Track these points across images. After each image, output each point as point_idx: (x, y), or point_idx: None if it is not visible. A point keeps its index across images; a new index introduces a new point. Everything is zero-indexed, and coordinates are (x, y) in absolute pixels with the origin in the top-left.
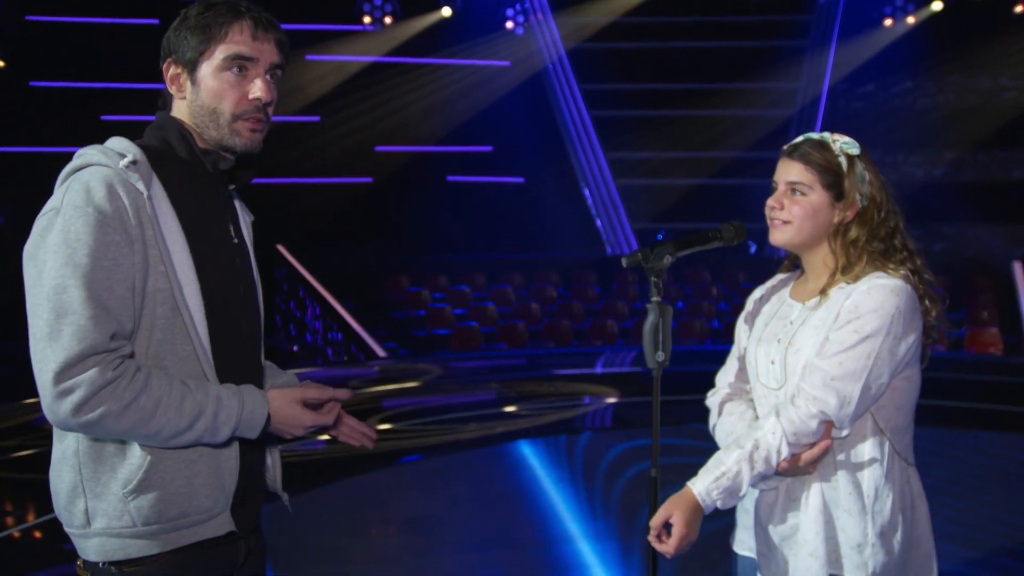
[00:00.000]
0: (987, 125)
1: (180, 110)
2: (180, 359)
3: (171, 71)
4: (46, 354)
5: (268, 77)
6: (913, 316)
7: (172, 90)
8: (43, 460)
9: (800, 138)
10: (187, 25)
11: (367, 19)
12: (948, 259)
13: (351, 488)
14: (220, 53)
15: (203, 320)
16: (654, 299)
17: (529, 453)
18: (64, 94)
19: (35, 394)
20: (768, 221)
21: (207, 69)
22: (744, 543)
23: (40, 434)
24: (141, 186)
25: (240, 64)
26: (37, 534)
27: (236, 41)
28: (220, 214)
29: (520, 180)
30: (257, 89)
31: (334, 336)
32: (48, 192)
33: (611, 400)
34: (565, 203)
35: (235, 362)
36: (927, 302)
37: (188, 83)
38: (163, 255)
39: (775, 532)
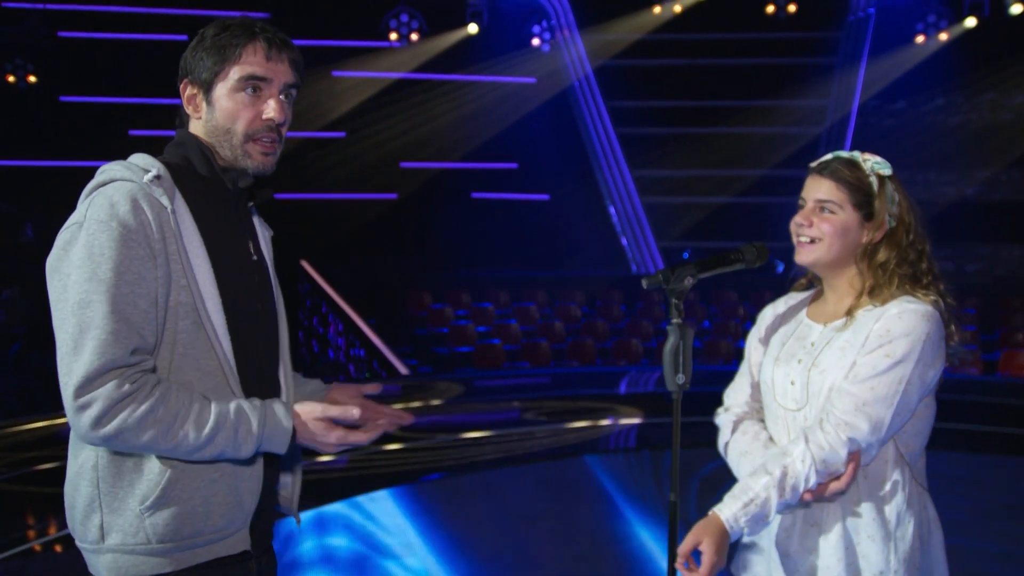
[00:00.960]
0: (1022, 143)
1: (196, 129)
2: (204, 373)
3: (187, 91)
4: (70, 368)
5: (282, 97)
6: (941, 343)
7: (188, 110)
8: (64, 473)
9: (829, 156)
10: (203, 46)
11: (393, 36)
12: (981, 280)
13: (369, 505)
14: (235, 74)
15: (226, 334)
16: (675, 321)
17: (550, 473)
18: (93, 109)
19: (58, 406)
20: (794, 239)
21: (222, 90)
22: (749, 569)
23: (64, 447)
24: (165, 200)
25: (254, 85)
26: (58, 548)
27: (250, 62)
28: (239, 231)
29: (545, 197)
30: (271, 110)
31: (356, 353)
32: (75, 206)
33: (635, 420)
34: (590, 220)
35: (253, 377)
36: (951, 327)
37: (204, 103)
38: (185, 269)
39: (793, 557)
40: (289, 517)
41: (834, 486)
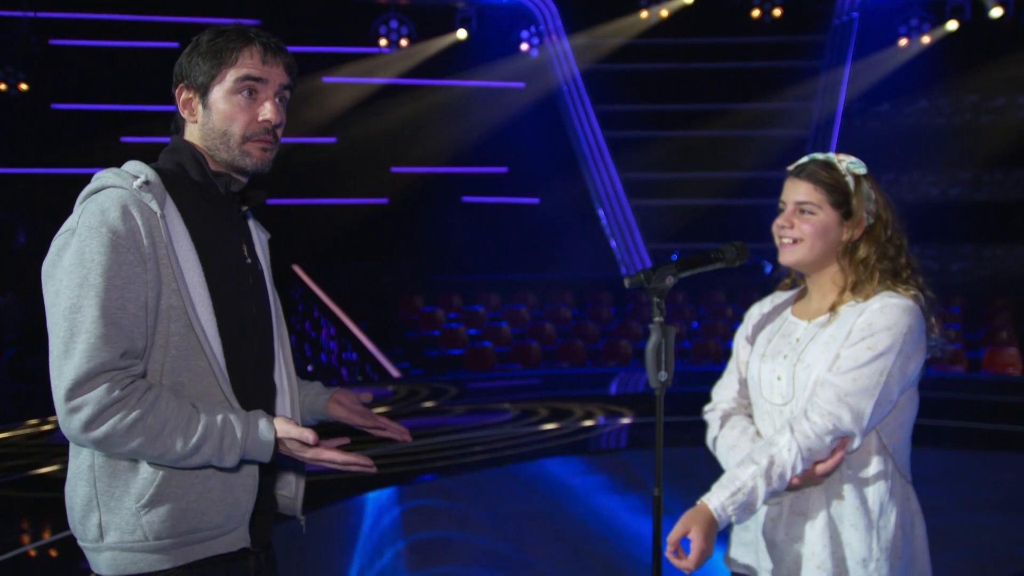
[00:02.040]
0: (1003, 144)
1: (192, 134)
2: (196, 375)
3: (183, 96)
4: (61, 371)
5: (277, 100)
6: (921, 336)
7: (184, 114)
8: (57, 478)
9: (805, 158)
10: (199, 51)
11: (383, 41)
12: (965, 279)
13: (362, 507)
14: (231, 76)
15: (216, 336)
16: (656, 319)
17: (541, 474)
18: (84, 116)
19: (51, 411)
20: (776, 241)
21: (218, 93)
22: (740, 560)
23: (54, 452)
24: (155, 205)
25: (250, 87)
26: (53, 552)
27: (246, 64)
28: (232, 235)
29: (535, 200)
30: (267, 111)
31: (348, 356)
32: (67, 213)
33: (624, 420)
34: (579, 223)
35: (246, 379)
36: (931, 320)
37: (200, 107)
38: (176, 273)
39: (780, 546)
40: (291, 518)
41: (821, 468)
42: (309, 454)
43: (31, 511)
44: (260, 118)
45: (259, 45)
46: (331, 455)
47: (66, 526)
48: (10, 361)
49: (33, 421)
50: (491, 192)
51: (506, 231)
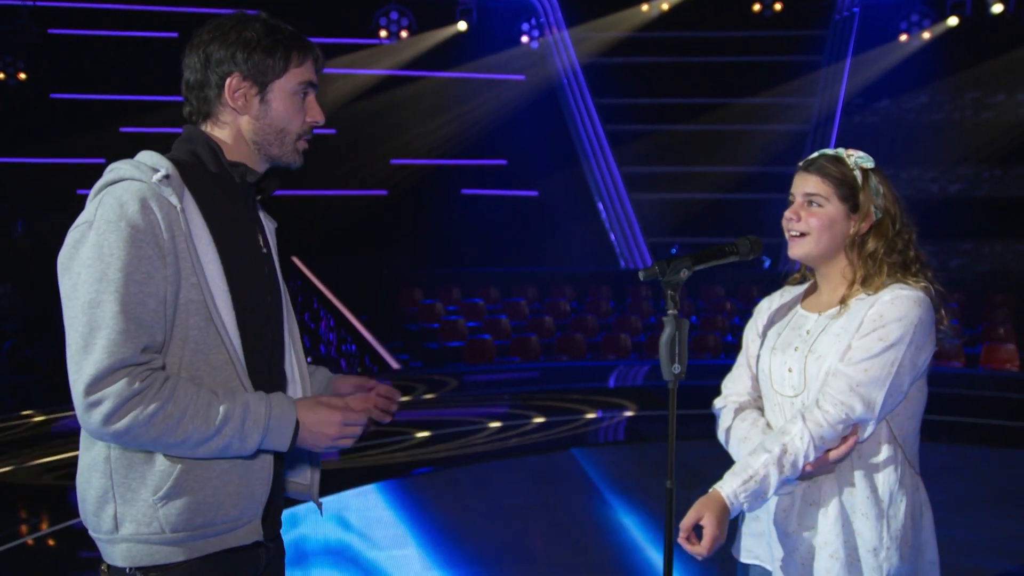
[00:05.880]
0: (1003, 141)
1: (237, 124)
2: (214, 368)
3: (235, 85)
4: (80, 366)
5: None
6: (931, 328)
7: (233, 104)
8: (57, 468)
9: (815, 153)
10: (260, 46)
11: (383, 33)
12: (964, 275)
13: (362, 499)
14: (296, 78)
15: (235, 329)
16: (671, 312)
17: (541, 466)
18: (83, 106)
19: (53, 402)
20: (785, 234)
21: (281, 91)
22: (751, 551)
23: (56, 443)
24: (174, 199)
25: (307, 90)
26: (51, 542)
27: (310, 71)
28: (249, 225)
29: (534, 194)
30: (316, 112)
31: (348, 348)
32: (65, 202)
33: (624, 414)
34: (579, 217)
35: (260, 369)
36: (941, 312)
37: (256, 100)
38: (195, 266)
39: (793, 536)
40: (291, 507)
41: (833, 454)
42: (338, 417)
43: (30, 501)
44: (309, 118)
45: (317, 52)
46: (351, 428)
47: (66, 517)
48: (9, 351)
49: (33, 411)
50: (490, 185)
51: (505, 224)
